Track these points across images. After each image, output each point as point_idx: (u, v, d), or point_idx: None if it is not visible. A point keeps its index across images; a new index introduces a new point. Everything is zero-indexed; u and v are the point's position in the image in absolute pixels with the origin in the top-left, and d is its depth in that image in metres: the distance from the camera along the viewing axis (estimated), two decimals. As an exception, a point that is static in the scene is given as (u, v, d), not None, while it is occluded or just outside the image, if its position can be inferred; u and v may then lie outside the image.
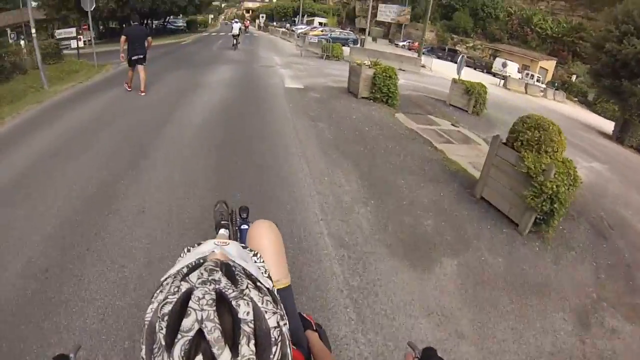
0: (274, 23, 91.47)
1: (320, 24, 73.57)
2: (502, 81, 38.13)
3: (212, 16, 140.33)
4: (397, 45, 70.88)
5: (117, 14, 43.93)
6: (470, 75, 26.28)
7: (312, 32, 45.30)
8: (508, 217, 6.52)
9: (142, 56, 12.34)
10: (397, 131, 10.87)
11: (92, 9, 18.63)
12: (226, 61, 21.90)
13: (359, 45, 42.05)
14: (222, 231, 2.41)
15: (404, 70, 25.17)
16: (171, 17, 65.49)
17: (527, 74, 51.66)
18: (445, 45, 69.24)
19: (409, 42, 72.11)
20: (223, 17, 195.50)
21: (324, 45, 26.00)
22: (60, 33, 42.22)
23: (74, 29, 25.60)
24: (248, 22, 75.16)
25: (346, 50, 28.04)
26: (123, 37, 12.22)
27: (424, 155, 9.21)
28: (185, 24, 68.38)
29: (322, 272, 4.55)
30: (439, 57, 58.85)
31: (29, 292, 3.76)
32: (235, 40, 30.54)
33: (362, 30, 79.74)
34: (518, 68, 52.94)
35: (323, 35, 42.13)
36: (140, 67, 12.44)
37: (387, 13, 75.33)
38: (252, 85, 15.11)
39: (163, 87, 13.86)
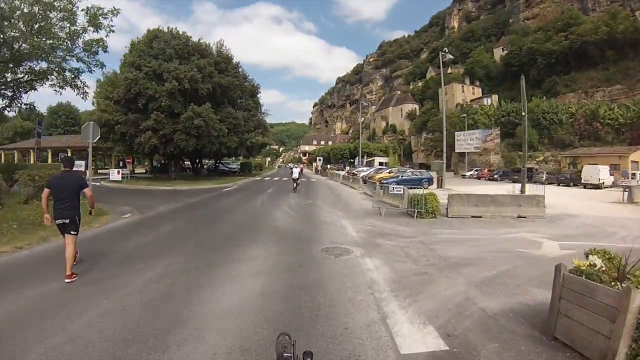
0: (331, 165, 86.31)
1: (381, 164, 67.48)
2: (626, 193, 27.07)
3: (269, 159, 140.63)
4: (464, 176, 65.48)
5: (160, 150, 39.18)
6: (562, 194, 19.14)
7: (378, 175, 37.84)
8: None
9: (68, 220, 7.58)
10: None
11: (94, 141, 16.43)
12: (267, 232, 13.53)
13: (435, 185, 34.10)
14: None
15: (524, 217, 17.71)
16: (225, 158, 61.19)
17: (627, 174, 41.60)
18: (519, 167, 59.35)
19: (476, 171, 65.60)
20: (281, 160, 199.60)
21: (412, 197, 17.47)
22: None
23: (83, 162, 19.23)
24: (302, 165, 70.58)
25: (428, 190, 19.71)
26: (46, 191, 7.74)
27: None
28: (238, 167, 63.38)
29: None
30: (515, 181, 49.73)
31: None
32: (295, 184, 31.79)
33: (422, 165, 73.70)
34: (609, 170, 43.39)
35: (393, 177, 34.52)
36: (68, 238, 7.55)
37: (469, 141, 69.46)
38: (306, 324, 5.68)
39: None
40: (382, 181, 30.98)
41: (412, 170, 40.29)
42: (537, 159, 64.95)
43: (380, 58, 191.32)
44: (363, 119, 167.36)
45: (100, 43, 23.36)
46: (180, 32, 43.17)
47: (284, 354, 2.05)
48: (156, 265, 8.53)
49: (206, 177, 46.56)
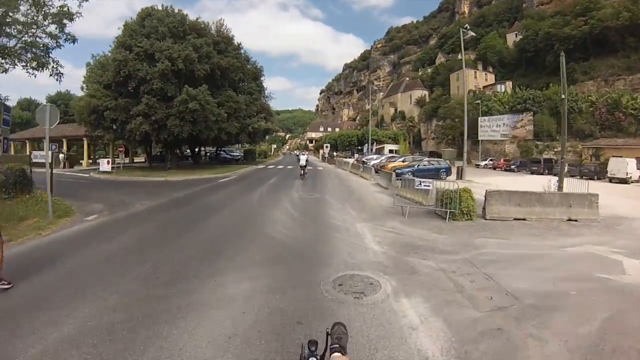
0: (338, 152, 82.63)
1: (391, 151, 63.97)
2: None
3: (274, 146, 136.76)
4: (477, 165, 61.62)
5: (153, 137, 36.12)
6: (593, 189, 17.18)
7: (390, 164, 34.40)
8: None
9: None
10: None
11: (52, 127, 13.49)
12: (259, 244, 10.03)
13: (454, 176, 30.63)
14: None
15: (575, 221, 14.41)
16: (228, 145, 57.90)
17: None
18: (539, 157, 55.60)
19: (491, 161, 62.07)
20: (288, 147, 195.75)
21: (444, 194, 13.98)
22: (36, 155, 33.66)
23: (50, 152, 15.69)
24: (307, 153, 67.48)
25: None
26: None
27: None
28: (241, 154, 59.98)
29: None
30: (533, 172, 47.32)
31: None
32: (302, 171, 30.69)
33: (432, 154, 69.94)
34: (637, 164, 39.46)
35: (407, 167, 31.08)
36: None
37: (495, 128, 64.55)
38: None
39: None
40: (396, 171, 27.65)
41: (428, 159, 36.44)
42: (555, 150, 61.20)
43: (388, 44, 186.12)
44: (371, 105, 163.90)
45: (65, 9, 19.69)
46: (176, 10, 39.75)
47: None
48: (63, 321, 5.16)
49: (206, 166, 43.31)
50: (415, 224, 13.01)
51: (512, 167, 53.48)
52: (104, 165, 35.16)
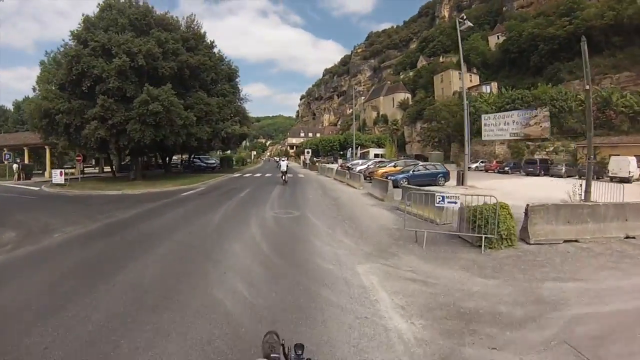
0: (320, 158, 78.45)
1: (376, 155, 60.02)
2: None
3: (254, 153, 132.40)
4: (469, 168, 54.71)
5: (111, 144, 31.20)
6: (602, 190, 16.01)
7: (381, 170, 30.48)
8: None
9: None
10: None
11: None
12: (195, 319, 5.65)
13: (454, 182, 27.55)
14: None
15: (633, 238, 10.87)
16: (202, 153, 53.41)
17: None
18: (531, 157, 52.22)
19: (482, 163, 57.91)
20: (269, 153, 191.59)
21: (476, 212, 9.86)
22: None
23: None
24: (287, 159, 63.60)
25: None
26: None
27: None
28: (218, 162, 55.56)
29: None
30: (529, 174, 45.17)
31: None
32: (283, 176, 30.70)
33: (418, 157, 65.78)
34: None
35: (400, 172, 27.22)
36: None
37: (502, 127, 60.55)
38: None
39: None
40: (390, 177, 23.75)
41: (424, 163, 32.22)
42: (547, 150, 58.03)
43: (369, 49, 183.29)
44: (354, 108, 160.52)
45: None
46: (141, 2, 35.26)
47: (272, 355, 1.98)
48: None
49: (177, 176, 38.76)
50: (441, 259, 8.86)
51: (506, 168, 49.90)
52: (57, 177, 30.58)
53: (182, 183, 29.44)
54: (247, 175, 42.43)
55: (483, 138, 61.92)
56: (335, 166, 49.23)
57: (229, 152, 59.23)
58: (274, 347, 1.99)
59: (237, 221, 13.81)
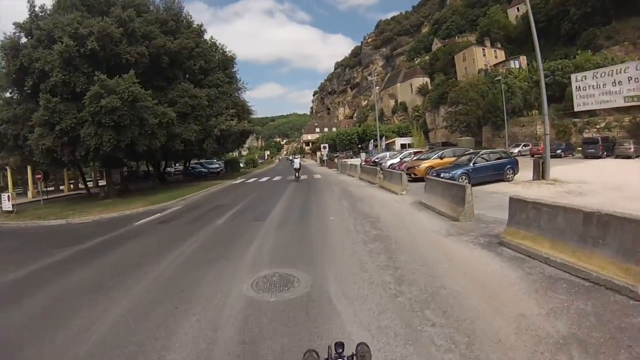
0: (338, 153, 70.08)
1: (403, 145, 51.64)
2: None
3: (268, 152, 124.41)
4: (511, 154, 44.51)
5: (63, 156, 22.62)
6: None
7: (424, 163, 22.38)
8: None
9: None
10: None
11: None
12: None
13: (531, 176, 19.01)
14: None
15: None
16: (209, 157, 45.91)
17: None
18: (592, 136, 42.30)
19: (525, 146, 48.52)
20: (285, 152, 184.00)
21: None
22: None
23: None
24: (300, 156, 56.02)
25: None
26: None
27: None
28: (221, 166, 47.99)
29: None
30: (590, 156, 36.14)
31: None
32: (297, 173, 29.42)
33: (445, 145, 55.94)
34: None
35: (456, 166, 19.00)
36: None
37: (610, 88, 42.23)
38: None
39: None
40: (432, 172, 16.34)
41: (486, 151, 22.01)
42: (598, 126, 49.11)
43: (379, 37, 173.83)
44: (367, 101, 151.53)
45: None
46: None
47: None
48: None
49: (165, 188, 30.88)
50: None
51: (558, 151, 40.68)
52: (5, 202, 23.20)
53: (159, 200, 21.54)
54: (252, 180, 34.49)
55: (577, 109, 48.33)
56: (357, 161, 41.19)
57: (235, 153, 51.06)
58: None
59: (150, 330, 5.38)
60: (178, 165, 49.72)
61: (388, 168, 26.59)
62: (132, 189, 32.27)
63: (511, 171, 19.81)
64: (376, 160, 33.48)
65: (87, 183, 33.71)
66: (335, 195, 18.88)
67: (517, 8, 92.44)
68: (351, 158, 54.53)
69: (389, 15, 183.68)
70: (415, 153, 29.32)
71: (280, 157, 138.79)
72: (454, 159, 21.83)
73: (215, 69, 33.27)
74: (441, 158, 22.15)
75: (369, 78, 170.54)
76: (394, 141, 56.04)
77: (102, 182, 40.89)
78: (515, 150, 46.62)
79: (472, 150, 23.97)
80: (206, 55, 32.08)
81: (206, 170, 44.20)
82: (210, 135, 29.54)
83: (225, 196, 22.28)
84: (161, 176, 39.45)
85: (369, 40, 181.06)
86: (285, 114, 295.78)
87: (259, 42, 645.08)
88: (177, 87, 28.26)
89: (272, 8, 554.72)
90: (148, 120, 22.96)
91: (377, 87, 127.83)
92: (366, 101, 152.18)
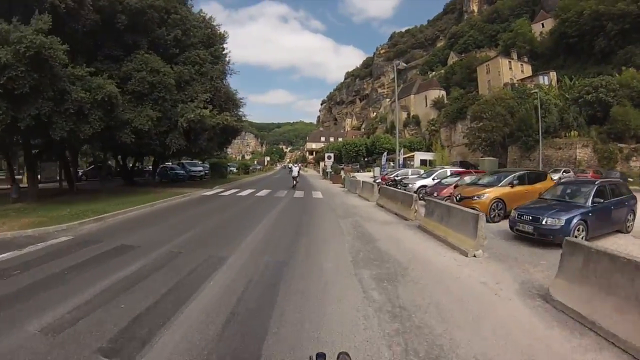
0: (343, 165, 61.44)
1: (424, 162, 43.37)
2: None
3: (268, 158, 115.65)
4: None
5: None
6: None
7: (485, 194, 13.72)
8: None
9: None
10: None
11: None
12: None
13: None
14: None
15: None
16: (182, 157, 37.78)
17: None
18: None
19: (566, 173, 37.58)
20: (288, 160, 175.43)
21: None
22: None
23: None
24: (299, 165, 48.06)
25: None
26: None
27: None
28: (206, 170, 39.88)
29: None
30: None
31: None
32: (294, 181, 29.14)
33: (463, 164, 48.08)
34: None
35: (546, 209, 10.25)
36: None
37: None
38: None
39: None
40: (514, 215, 9.29)
41: (606, 180, 12.46)
42: (650, 155, 41.10)
43: (392, 49, 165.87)
44: (376, 113, 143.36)
45: None
46: None
47: None
48: None
49: (119, 192, 22.62)
50: None
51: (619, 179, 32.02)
52: None
53: (59, 217, 13.13)
54: (229, 192, 25.33)
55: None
56: (367, 177, 32.90)
57: (217, 158, 42.17)
58: None
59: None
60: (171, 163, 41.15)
61: (417, 191, 18.52)
62: (84, 189, 24.18)
63: (632, 215, 11.68)
64: (396, 178, 25.24)
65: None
66: (346, 247, 9.94)
67: (542, 24, 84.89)
68: (358, 172, 46.14)
69: (404, 29, 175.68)
70: (460, 174, 20.64)
71: (281, 165, 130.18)
72: (524, 187, 13.73)
73: (198, 45, 25.11)
74: (512, 186, 13.75)
75: (379, 90, 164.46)
76: (413, 156, 47.36)
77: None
78: (555, 177, 38.08)
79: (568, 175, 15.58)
80: (185, 24, 23.97)
81: (184, 173, 35.86)
82: (177, 127, 21.26)
83: (159, 223, 13.46)
84: (128, 176, 31.28)
85: (382, 51, 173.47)
86: (292, 122, 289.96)
87: (271, 48, 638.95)
88: (136, 59, 20.17)
89: (287, 14, 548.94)
90: (71, 93, 14.87)
91: (388, 100, 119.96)
92: (375, 113, 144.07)
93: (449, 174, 21.69)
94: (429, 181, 20.85)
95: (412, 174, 26.55)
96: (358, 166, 64.45)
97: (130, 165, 32.62)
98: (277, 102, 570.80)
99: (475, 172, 19.48)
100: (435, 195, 15.96)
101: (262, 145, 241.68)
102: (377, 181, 26.63)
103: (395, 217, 14.46)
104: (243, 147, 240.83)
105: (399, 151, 34.89)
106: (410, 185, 20.59)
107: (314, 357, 1.75)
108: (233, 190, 25.93)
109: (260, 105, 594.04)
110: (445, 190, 16.70)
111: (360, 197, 21.87)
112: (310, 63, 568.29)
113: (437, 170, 21.97)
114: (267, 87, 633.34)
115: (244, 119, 29.16)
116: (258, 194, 23.46)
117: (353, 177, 30.60)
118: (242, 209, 17.29)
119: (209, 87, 23.47)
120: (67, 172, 24.92)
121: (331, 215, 15.25)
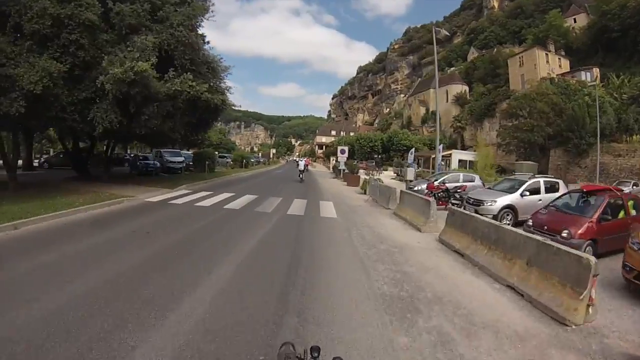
0: (356, 162, 52.03)
1: (462, 162, 34.48)
2: None
3: (274, 151, 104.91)
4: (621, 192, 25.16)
5: None
6: None
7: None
8: None
9: None
10: None
11: None
12: None
13: None
14: None
15: None
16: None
17: None
18: None
19: (636, 186, 27.01)
20: (297, 153, 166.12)
21: None
22: None
23: None
24: (307, 159, 40.85)
25: None
26: None
27: None
28: (185, 160, 31.50)
29: None
30: None
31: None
32: (301, 174, 28.57)
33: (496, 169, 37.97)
34: None
35: None
36: None
37: None
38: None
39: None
40: None
41: None
42: None
43: (407, 44, 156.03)
44: (390, 109, 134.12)
45: None
46: None
47: None
48: None
49: (40, 189, 14.59)
50: None
51: None
52: None
53: None
54: (196, 196, 16.34)
55: None
56: (388, 179, 24.16)
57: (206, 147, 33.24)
58: (289, 358, 1.80)
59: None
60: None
61: (498, 215, 10.12)
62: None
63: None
64: (449, 188, 15.99)
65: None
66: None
67: (575, 19, 75.31)
68: (375, 171, 37.14)
69: (419, 25, 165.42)
70: (596, 192, 11.39)
71: (289, 159, 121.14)
72: None
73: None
74: None
75: (392, 86, 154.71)
76: (450, 155, 37.75)
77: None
78: (626, 189, 28.96)
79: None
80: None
81: (155, 164, 27.22)
82: (97, 92, 12.75)
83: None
84: (80, 165, 22.85)
85: (396, 46, 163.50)
86: (302, 115, 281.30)
87: (281, 41, 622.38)
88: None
89: (300, 8, 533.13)
90: None
91: (402, 95, 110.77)
92: (389, 109, 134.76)
93: (542, 185, 12.91)
94: (515, 198, 12.06)
95: (463, 179, 17.76)
96: (374, 164, 55.02)
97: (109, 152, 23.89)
98: (287, 95, 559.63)
99: (614, 188, 10.50)
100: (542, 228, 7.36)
101: (271, 138, 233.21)
102: (416, 188, 17.87)
103: (516, 296, 5.89)
104: (252, 139, 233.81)
105: (440, 148, 25.37)
106: (486, 205, 11.85)
107: (309, 350, 1.71)
108: (201, 194, 16.84)
109: (271, 98, 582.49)
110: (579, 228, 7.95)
111: (398, 217, 12.99)
112: (321, 57, 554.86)
113: (526, 180, 13.04)
114: (277, 80, 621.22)
115: (229, 93, 20.32)
116: (233, 203, 14.52)
117: (377, 180, 21.34)
118: (180, 243, 8.60)
119: (167, 36, 14.73)
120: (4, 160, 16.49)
121: (362, 294, 6.36)
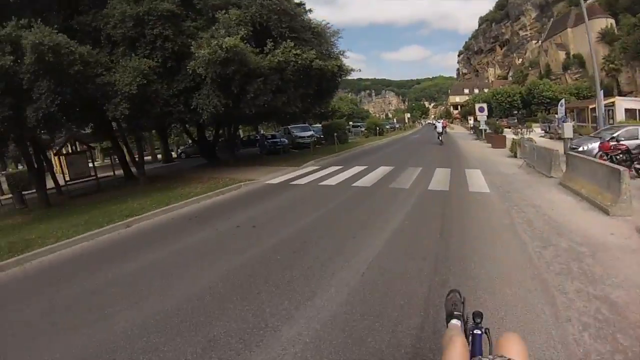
0: (495, 119, 46.56)
1: (630, 112, 28.63)
2: None
3: (408, 115, 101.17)
4: None
5: None
6: None
7: None
8: None
9: None
10: None
11: None
12: None
13: None
14: (453, 321, 2.13)
15: None
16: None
17: None
18: None
19: None
20: (433, 116, 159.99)
21: None
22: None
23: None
24: (445, 121, 45.84)
25: None
26: None
27: None
28: (313, 135, 30.85)
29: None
30: None
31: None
32: (440, 137, 28.11)
33: None
34: None
35: None
36: None
37: None
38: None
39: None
40: None
41: None
42: None
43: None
44: (522, 59, 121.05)
45: None
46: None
47: (454, 312, 1.98)
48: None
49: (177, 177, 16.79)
50: None
51: None
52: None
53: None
54: (323, 173, 15.33)
55: None
56: (538, 138, 20.40)
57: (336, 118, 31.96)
58: (456, 305, 1.90)
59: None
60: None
61: None
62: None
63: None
64: (632, 147, 12.01)
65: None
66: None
67: None
68: (519, 129, 32.70)
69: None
70: None
71: (425, 122, 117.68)
72: None
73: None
74: None
75: (521, 33, 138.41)
76: (613, 104, 30.85)
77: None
78: None
79: None
80: None
81: (282, 142, 27.06)
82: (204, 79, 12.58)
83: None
84: (208, 152, 23.29)
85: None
86: (431, 77, 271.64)
87: (393, 3, 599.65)
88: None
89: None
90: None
91: (535, 41, 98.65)
92: (521, 59, 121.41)
93: None
94: None
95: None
96: (516, 121, 48.76)
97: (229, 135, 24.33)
98: (412, 59, 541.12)
99: None
100: None
101: (404, 103, 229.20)
102: (580, 149, 14.25)
103: None
104: (385, 105, 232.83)
105: (601, 95, 20.50)
106: None
107: (471, 315, 1.77)
108: (329, 170, 15.55)
109: (397, 63, 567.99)
110: None
111: (568, 189, 9.72)
112: (438, 14, 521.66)
113: None
114: (399, 44, 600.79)
115: (343, 57, 18.87)
116: (363, 179, 12.95)
117: (529, 140, 17.79)
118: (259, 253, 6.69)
119: (256, 9, 13.98)
120: (122, 159, 18.13)
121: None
